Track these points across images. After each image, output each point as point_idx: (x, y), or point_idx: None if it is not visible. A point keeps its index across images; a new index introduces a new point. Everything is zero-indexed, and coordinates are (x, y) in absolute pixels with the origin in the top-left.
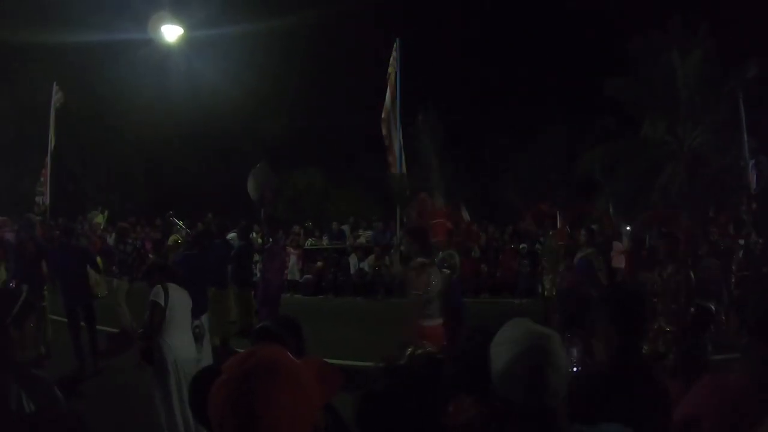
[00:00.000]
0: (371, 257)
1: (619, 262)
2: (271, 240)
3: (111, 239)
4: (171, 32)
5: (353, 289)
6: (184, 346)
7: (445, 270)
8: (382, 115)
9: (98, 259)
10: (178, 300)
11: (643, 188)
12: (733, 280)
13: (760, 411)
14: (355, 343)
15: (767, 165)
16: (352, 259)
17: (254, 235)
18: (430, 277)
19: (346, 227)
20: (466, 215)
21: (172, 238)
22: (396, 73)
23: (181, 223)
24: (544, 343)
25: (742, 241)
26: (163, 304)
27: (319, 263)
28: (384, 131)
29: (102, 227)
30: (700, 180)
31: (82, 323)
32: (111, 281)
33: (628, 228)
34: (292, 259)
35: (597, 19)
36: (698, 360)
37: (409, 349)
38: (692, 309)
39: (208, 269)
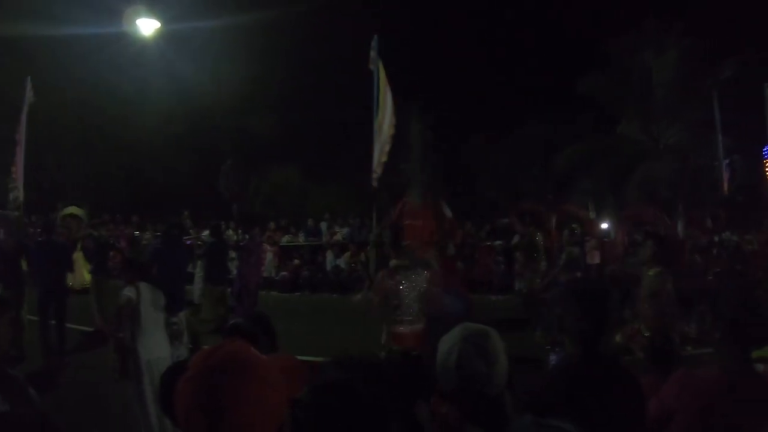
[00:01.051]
0: (347, 254)
1: (593, 258)
2: (246, 237)
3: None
4: (147, 26)
5: (330, 286)
6: (158, 345)
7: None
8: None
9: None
10: (150, 299)
11: (618, 186)
12: (710, 278)
13: (732, 406)
14: (332, 341)
15: (741, 164)
16: (329, 256)
17: (230, 232)
18: (405, 281)
19: (323, 224)
20: (448, 212)
21: (146, 237)
22: (375, 70)
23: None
24: (476, 338)
25: (716, 238)
26: (133, 302)
27: (296, 260)
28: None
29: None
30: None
31: (53, 321)
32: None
33: (604, 225)
34: (269, 256)
35: (574, 19)
36: (669, 354)
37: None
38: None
39: (178, 265)
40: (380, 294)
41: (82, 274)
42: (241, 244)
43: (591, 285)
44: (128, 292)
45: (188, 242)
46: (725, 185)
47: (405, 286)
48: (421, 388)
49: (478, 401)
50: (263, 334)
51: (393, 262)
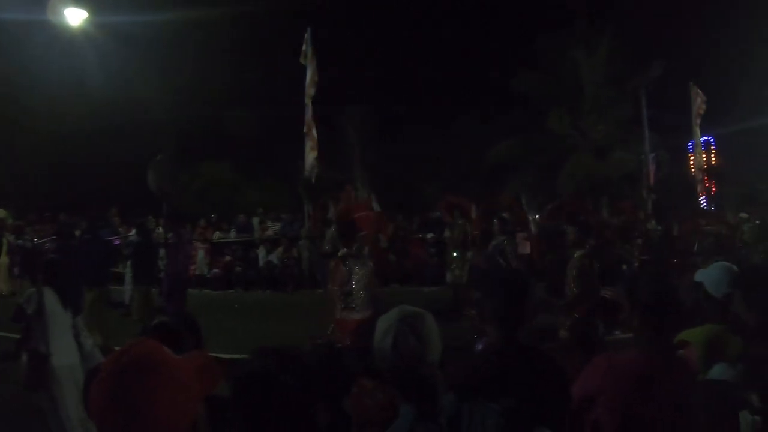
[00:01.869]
0: (279, 249)
1: (524, 248)
2: (174, 234)
3: (10, 237)
4: (75, 16)
5: (263, 282)
6: (63, 350)
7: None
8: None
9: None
10: (52, 304)
11: (549, 178)
12: (636, 264)
13: (652, 389)
14: (265, 337)
15: (666, 158)
16: (261, 252)
17: (160, 229)
18: (350, 271)
19: (255, 219)
20: (376, 206)
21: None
22: (307, 64)
23: None
24: (412, 319)
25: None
26: (30, 311)
27: (227, 257)
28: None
29: None
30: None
31: None
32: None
33: (537, 216)
34: (200, 254)
35: (508, 17)
36: (590, 338)
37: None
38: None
39: (75, 266)
40: (338, 282)
41: (5, 279)
42: (169, 241)
43: (510, 274)
44: (27, 298)
45: (116, 242)
46: (651, 178)
47: (355, 274)
48: (344, 379)
49: (411, 379)
50: (189, 333)
51: (342, 252)
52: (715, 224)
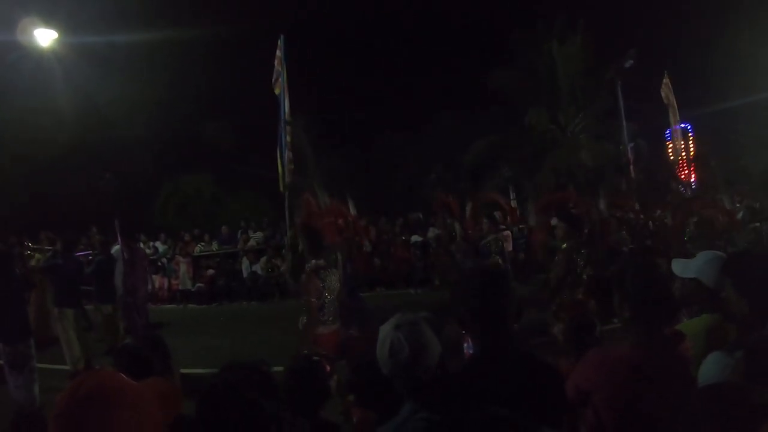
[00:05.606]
0: (263, 259)
1: (507, 245)
2: (128, 250)
3: None
4: (44, 36)
5: (247, 293)
6: None
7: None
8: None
9: None
10: None
11: (532, 173)
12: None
13: (645, 382)
14: (246, 350)
15: (644, 147)
16: (244, 263)
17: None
18: (324, 282)
19: (238, 232)
20: (353, 209)
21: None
22: (282, 71)
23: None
24: (407, 326)
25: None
26: None
27: (210, 270)
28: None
29: None
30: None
31: None
32: None
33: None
34: (183, 268)
35: (481, 14)
36: (590, 338)
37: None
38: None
39: (9, 291)
40: (315, 295)
41: None
42: (126, 257)
43: (483, 273)
44: None
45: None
46: (631, 167)
47: (325, 287)
48: (321, 391)
49: (410, 383)
50: (155, 354)
51: (313, 263)
52: (710, 210)
